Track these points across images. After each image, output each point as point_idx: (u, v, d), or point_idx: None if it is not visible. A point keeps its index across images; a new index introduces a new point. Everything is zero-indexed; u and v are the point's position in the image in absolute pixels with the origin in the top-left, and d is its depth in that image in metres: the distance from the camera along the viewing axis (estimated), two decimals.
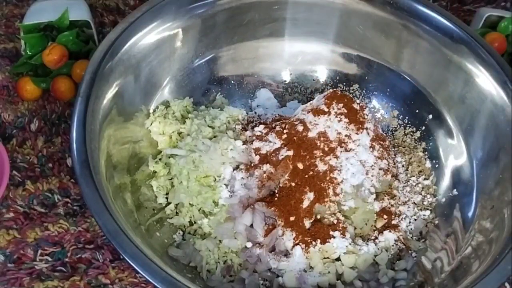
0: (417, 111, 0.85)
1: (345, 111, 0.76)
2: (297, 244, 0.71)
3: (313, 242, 0.71)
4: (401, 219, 0.76)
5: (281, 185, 0.73)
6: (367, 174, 0.75)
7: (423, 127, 0.85)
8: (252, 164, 0.75)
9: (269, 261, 0.70)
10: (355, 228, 0.74)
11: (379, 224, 0.75)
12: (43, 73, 0.89)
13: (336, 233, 0.72)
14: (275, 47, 0.89)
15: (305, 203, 0.72)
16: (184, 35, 0.82)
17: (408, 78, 0.85)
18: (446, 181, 0.81)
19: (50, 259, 0.74)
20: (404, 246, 0.74)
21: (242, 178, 0.74)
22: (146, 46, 0.77)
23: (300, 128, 0.75)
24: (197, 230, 0.75)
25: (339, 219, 0.73)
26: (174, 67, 0.83)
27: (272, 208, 0.71)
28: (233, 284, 0.70)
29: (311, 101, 0.80)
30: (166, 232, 0.74)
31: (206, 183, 0.74)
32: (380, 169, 0.77)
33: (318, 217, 0.73)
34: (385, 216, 0.76)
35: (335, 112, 0.76)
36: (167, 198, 0.77)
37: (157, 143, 0.80)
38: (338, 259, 0.72)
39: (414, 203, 0.79)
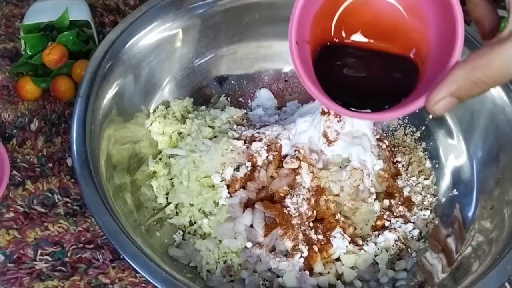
0: (417, 111, 0.85)
1: None
2: (297, 244, 0.71)
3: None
4: (401, 219, 0.76)
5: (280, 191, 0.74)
6: (367, 174, 0.75)
7: (423, 127, 0.85)
8: (249, 169, 0.75)
9: (269, 261, 0.70)
10: (355, 228, 0.74)
11: (379, 224, 0.75)
12: (43, 73, 0.88)
13: (336, 233, 0.72)
14: (275, 47, 0.89)
15: (305, 206, 0.72)
16: (184, 35, 0.82)
17: None
18: (446, 181, 0.81)
19: (50, 259, 0.74)
20: (404, 246, 0.74)
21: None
22: (146, 46, 0.77)
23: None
24: (197, 230, 0.75)
25: (339, 219, 0.73)
26: (174, 67, 0.83)
27: (272, 210, 0.71)
28: (233, 284, 0.70)
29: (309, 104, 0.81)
30: (166, 232, 0.74)
31: (206, 183, 0.74)
32: (380, 169, 0.77)
33: (318, 217, 0.73)
34: (385, 216, 0.76)
35: (335, 112, 0.76)
36: (167, 198, 0.77)
37: (157, 143, 0.80)
38: (338, 259, 0.72)
39: (414, 203, 0.79)
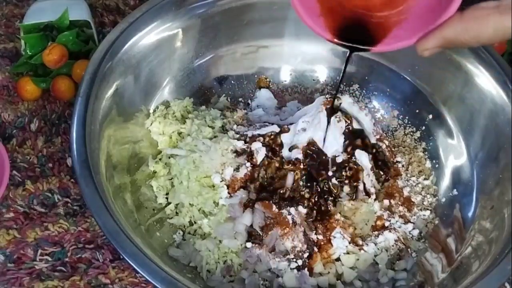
0: (417, 111, 0.85)
1: None
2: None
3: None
4: (401, 219, 0.76)
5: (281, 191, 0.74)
6: (367, 174, 0.75)
7: (423, 127, 0.85)
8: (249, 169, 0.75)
9: (269, 261, 0.70)
10: (355, 228, 0.74)
11: (379, 224, 0.75)
12: (43, 73, 0.89)
13: (336, 233, 0.72)
14: (275, 47, 0.89)
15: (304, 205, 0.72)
16: (184, 35, 0.82)
17: (408, 78, 0.85)
18: (446, 181, 0.81)
19: (50, 259, 0.74)
20: (404, 246, 0.74)
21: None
22: (146, 46, 0.77)
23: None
24: (197, 230, 0.75)
25: (339, 219, 0.73)
26: (174, 67, 0.83)
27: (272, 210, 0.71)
28: (233, 284, 0.70)
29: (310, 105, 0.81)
30: (166, 232, 0.74)
31: (206, 183, 0.74)
32: (379, 169, 0.77)
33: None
34: (385, 216, 0.76)
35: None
36: (167, 198, 0.77)
37: (157, 143, 0.80)
38: (338, 259, 0.72)
39: (414, 203, 0.79)
